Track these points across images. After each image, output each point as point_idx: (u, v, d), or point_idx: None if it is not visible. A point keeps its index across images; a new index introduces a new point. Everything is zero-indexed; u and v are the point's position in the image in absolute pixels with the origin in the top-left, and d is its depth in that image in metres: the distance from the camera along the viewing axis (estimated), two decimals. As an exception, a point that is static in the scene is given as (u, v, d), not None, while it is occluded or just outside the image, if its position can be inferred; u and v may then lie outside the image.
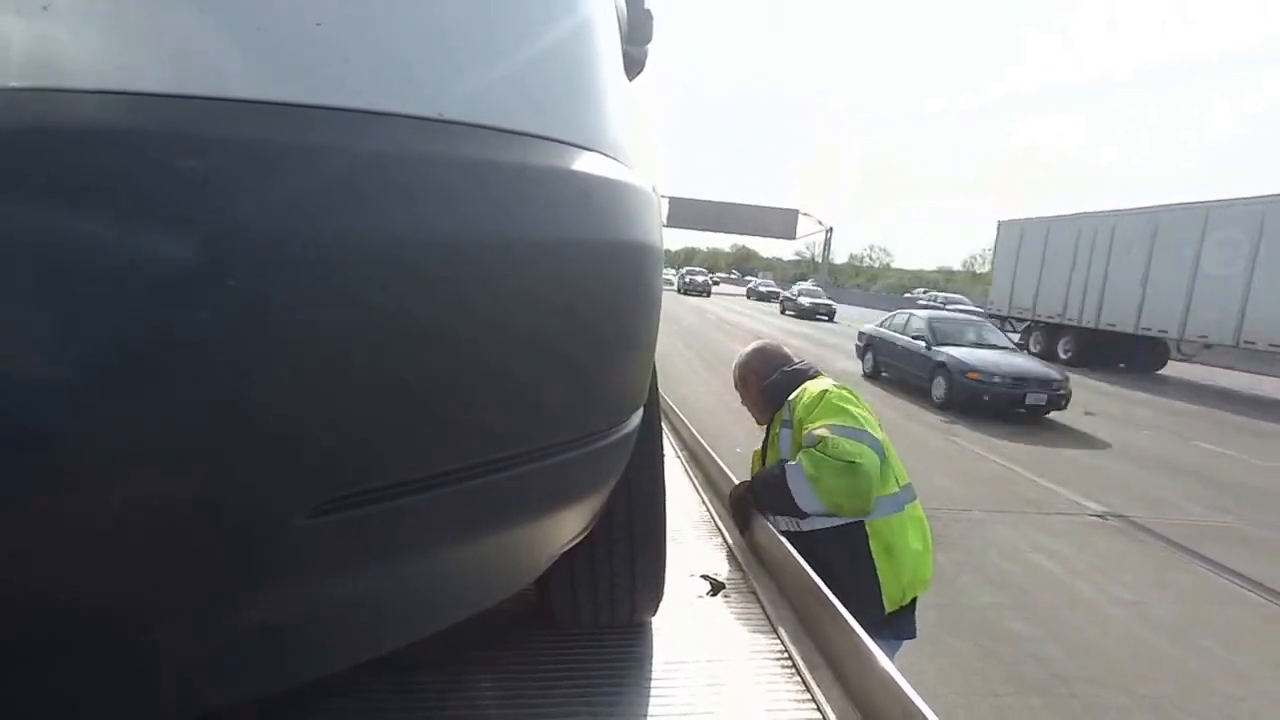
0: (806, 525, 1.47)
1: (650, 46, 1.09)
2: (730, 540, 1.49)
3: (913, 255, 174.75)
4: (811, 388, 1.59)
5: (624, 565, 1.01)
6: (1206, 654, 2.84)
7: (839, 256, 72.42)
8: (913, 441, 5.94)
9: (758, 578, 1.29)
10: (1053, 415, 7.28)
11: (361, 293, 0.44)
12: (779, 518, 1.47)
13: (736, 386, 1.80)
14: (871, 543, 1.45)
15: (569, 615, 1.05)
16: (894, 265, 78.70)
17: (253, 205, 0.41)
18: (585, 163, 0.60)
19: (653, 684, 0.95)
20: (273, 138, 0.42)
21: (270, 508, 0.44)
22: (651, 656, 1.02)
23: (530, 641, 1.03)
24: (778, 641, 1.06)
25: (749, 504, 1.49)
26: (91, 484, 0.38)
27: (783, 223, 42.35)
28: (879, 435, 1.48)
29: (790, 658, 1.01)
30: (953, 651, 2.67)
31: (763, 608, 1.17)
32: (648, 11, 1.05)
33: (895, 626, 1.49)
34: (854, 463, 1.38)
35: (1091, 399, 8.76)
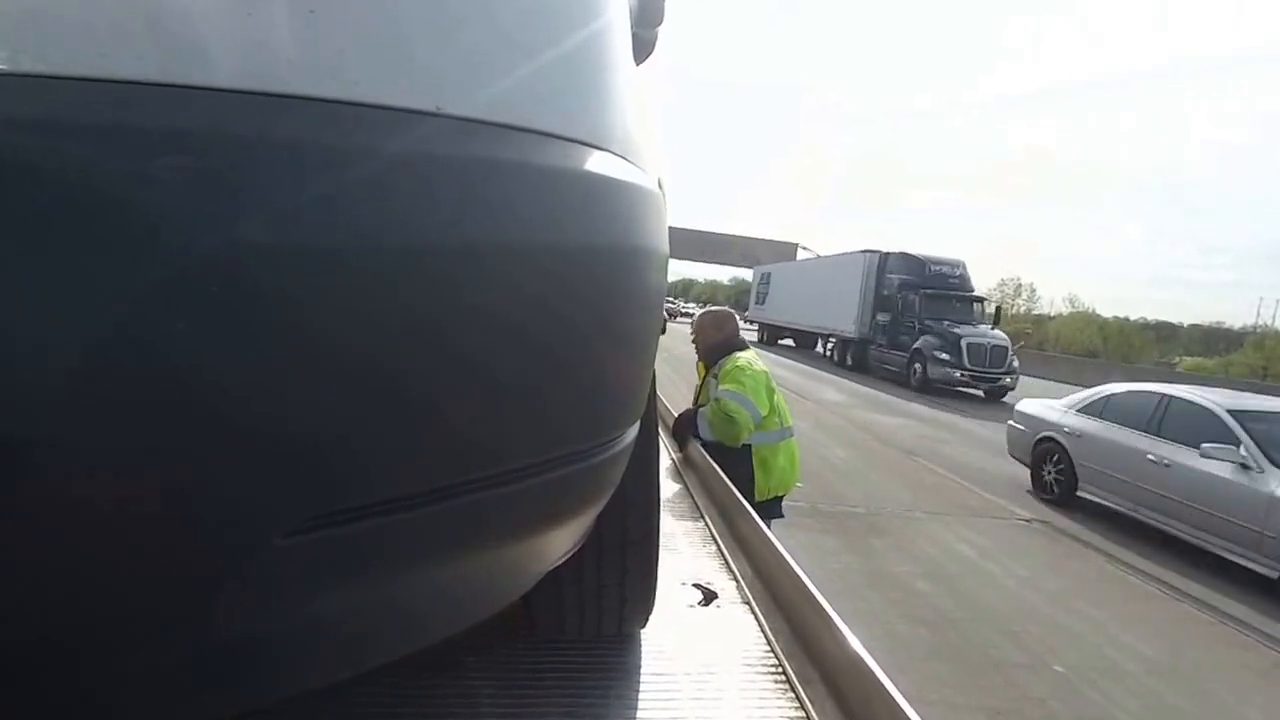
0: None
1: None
2: (724, 547, 1.48)
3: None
4: (733, 359, 2.61)
5: (613, 576, 0.97)
6: (1074, 611, 3.52)
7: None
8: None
9: (751, 587, 1.27)
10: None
11: (350, 299, 0.41)
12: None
13: (694, 330, 2.85)
14: (754, 456, 2.54)
15: (554, 626, 1.01)
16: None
17: (237, 204, 0.38)
18: (592, 162, 0.56)
19: (640, 696, 0.93)
20: (261, 131, 0.39)
21: (249, 525, 0.42)
22: (639, 667, 1.00)
23: (512, 648, 1.00)
24: (771, 654, 1.04)
25: (683, 432, 2.52)
26: (62, 495, 0.36)
27: (781, 256, 42.49)
28: (762, 396, 2.51)
29: (784, 671, 0.99)
30: (865, 599, 3.41)
31: (756, 619, 1.15)
32: None
33: (767, 510, 2.47)
34: (731, 417, 2.44)
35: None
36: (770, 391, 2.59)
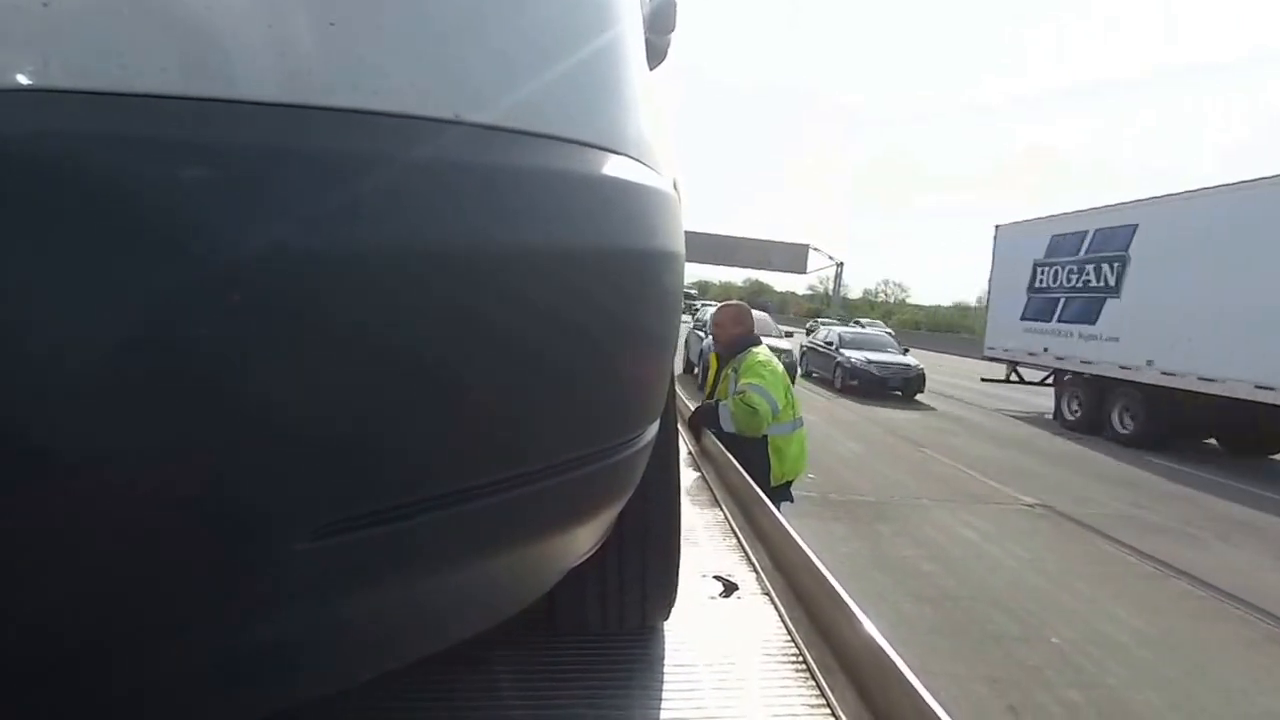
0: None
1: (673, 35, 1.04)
2: (743, 540, 1.49)
3: (929, 288, 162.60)
4: (752, 354, 2.74)
5: (635, 572, 0.99)
6: (1071, 589, 3.63)
7: (854, 291, 69.14)
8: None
9: (771, 579, 1.27)
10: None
11: (374, 304, 0.42)
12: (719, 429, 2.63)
13: (714, 324, 2.96)
14: (769, 445, 2.67)
15: (578, 620, 1.02)
16: (909, 300, 74.98)
17: (260, 212, 0.38)
18: (609, 167, 0.57)
19: (663, 686, 0.94)
20: (283, 141, 0.40)
21: (273, 530, 0.43)
22: (661, 658, 1.01)
23: (534, 641, 1.00)
24: (791, 644, 1.05)
25: (700, 424, 2.67)
26: (84, 499, 0.37)
27: (793, 257, 42.36)
28: (780, 390, 2.66)
29: (804, 661, 1.00)
30: (873, 580, 3.57)
31: (776, 609, 1.16)
32: None
33: (779, 495, 2.65)
34: (755, 409, 2.58)
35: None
36: (786, 387, 2.75)
